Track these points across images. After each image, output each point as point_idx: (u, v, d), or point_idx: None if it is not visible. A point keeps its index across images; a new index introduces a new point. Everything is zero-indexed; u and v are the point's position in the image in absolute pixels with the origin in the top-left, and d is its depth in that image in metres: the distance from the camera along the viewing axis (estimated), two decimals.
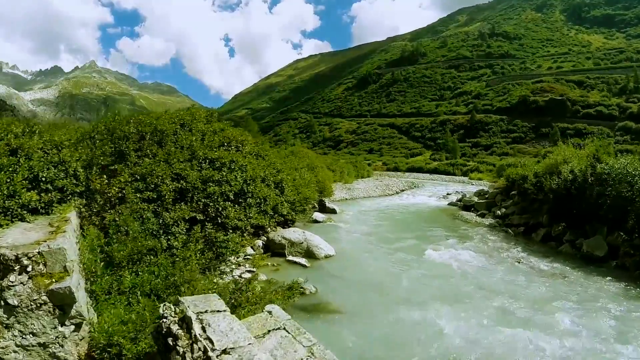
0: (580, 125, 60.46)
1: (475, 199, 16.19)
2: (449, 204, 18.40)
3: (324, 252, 7.98)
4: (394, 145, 77.99)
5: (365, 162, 51.66)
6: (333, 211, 14.71)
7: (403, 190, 26.16)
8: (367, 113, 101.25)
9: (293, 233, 8.30)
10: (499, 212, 13.43)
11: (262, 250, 8.22)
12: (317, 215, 12.87)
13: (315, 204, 14.77)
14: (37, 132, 4.96)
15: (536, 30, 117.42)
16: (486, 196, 15.65)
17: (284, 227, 10.76)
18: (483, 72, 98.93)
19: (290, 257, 7.74)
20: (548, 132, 61.94)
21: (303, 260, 7.58)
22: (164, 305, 3.02)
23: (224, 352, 2.43)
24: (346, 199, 20.19)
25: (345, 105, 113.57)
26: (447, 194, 23.52)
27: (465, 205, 16.21)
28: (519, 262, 8.26)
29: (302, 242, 8.04)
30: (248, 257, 7.90)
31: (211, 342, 2.49)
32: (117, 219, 5.03)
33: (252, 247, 8.26)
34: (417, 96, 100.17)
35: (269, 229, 8.83)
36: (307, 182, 12.65)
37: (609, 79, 72.30)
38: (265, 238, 8.47)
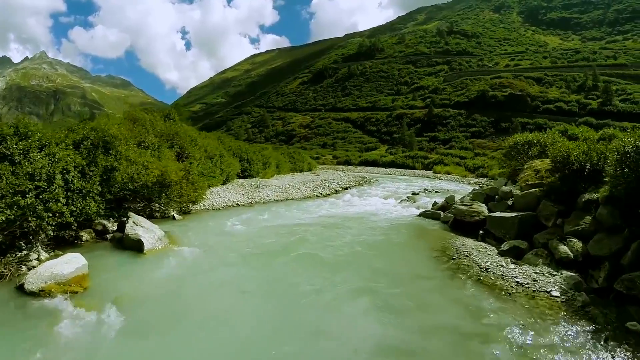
0: (541, 120, 58.42)
1: (484, 209, 7.25)
2: (421, 216, 9.77)
3: None
4: (349, 140, 72.36)
5: (307, 154, 42.85)
6: (138, 248, 5.41)
7: (346, 189, 17.12)
8: (321, 107, 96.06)
9: None
10: (569, 251, 4.90)
11: None
12: (38, 276, 3.60)
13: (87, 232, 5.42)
14: None
15: (494, 30, 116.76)
16: (509, 202, 6.82)
17: None
18: (441, 68, 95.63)
19: None
20: (508, 127, 60.64)
21: None
22: None
23: None
24: (238, 204, 10.94)
25: (299, 100, 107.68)
26: (413, 194, 15.18)
27: (457, 219, 7.53)
28: None
29: None
30: None
31: None
32: None
33: None
34: (373, 90, 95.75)
35: None
36: None
37: (567, 76, 70.77)
38: None
